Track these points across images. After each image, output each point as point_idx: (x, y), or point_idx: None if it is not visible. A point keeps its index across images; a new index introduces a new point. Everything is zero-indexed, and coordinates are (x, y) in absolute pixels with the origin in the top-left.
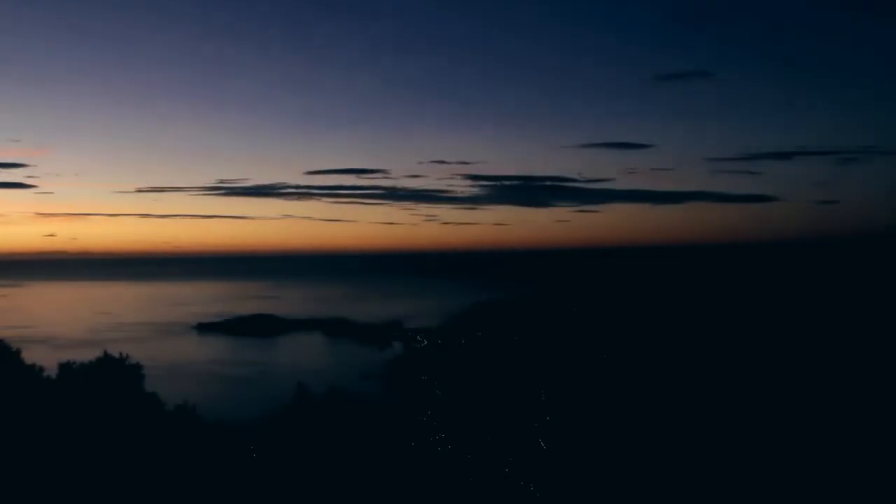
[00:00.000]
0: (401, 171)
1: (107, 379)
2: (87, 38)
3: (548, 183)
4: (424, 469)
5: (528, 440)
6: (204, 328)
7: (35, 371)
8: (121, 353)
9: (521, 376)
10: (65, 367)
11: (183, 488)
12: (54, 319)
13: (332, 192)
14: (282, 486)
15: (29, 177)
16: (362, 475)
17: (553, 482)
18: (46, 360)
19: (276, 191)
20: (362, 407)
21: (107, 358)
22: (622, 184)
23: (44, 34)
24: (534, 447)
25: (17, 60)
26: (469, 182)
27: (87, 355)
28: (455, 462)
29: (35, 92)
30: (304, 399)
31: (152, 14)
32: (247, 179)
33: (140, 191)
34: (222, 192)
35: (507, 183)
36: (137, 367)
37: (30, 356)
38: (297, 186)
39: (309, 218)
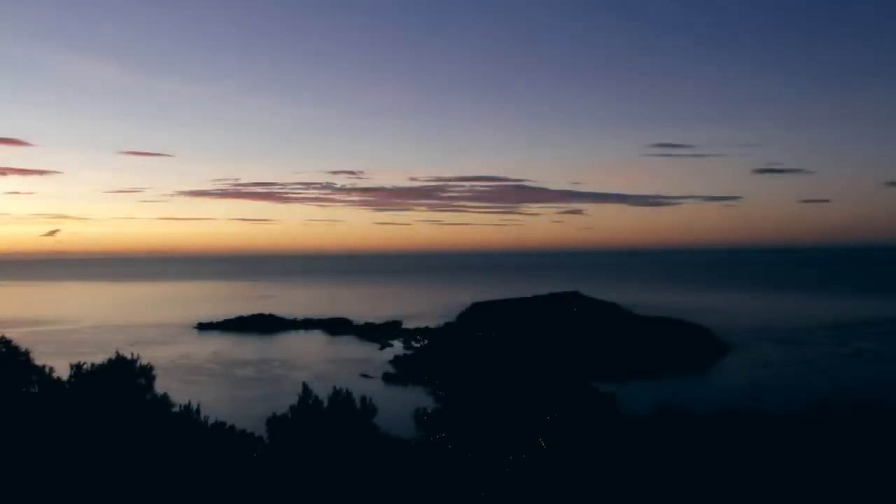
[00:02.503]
0: (398, 171)
1: (120, 380)
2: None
3: (540, 184)
4: (424, 469)
5: (528, 440)
6: (204, 328)
7: (46, 373)
8: (132, 354)
9: (521, 376)
10: (77, 369)
11: (193, 490)
12: (56, 319)
13: (329, 193)
14: (285, 486)
15: (24, 171)
16: (364, 475)
17: (553, 482)
18: (49, 360)
19: (274, 192)
20: (363, 407)
21: (118, 359)
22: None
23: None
24: (534, 447)
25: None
26: (467, 183)
27: (91, 356)
28: (455, 462)
29: (19, 87)
30: (309, 399)
31: (151, 13)
32: (245, 180)
33: (140, 190)
34: (220, 193)
35: (504, 184)
36: (149, 369)
37: (34, 356)
38: (296, 186)
39: (307, 219)
